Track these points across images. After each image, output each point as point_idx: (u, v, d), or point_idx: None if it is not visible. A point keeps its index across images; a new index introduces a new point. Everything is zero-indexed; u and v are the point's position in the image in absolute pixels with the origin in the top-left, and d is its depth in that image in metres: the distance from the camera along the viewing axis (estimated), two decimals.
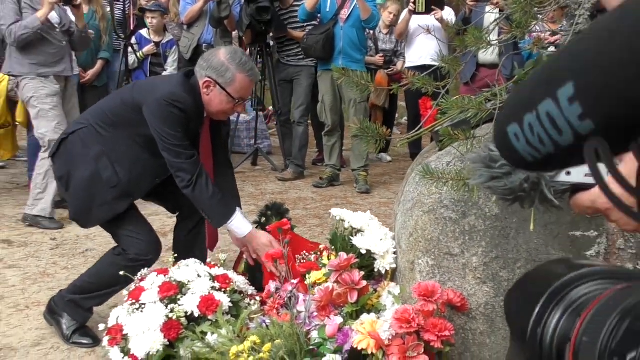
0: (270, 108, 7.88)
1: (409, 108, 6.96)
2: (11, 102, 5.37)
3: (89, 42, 5.15)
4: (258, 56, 6.56)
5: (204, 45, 6.63)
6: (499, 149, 0.63)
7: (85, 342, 2.87)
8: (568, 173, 0.71)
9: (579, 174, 0.71)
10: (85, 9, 5.76)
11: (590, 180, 0.70)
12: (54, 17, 4.63)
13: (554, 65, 0.58)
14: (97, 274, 2.90)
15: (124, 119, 2.84)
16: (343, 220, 2.72)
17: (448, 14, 6.41)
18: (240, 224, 2.83)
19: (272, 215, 3.12)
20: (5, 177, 6.07)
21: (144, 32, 6.51)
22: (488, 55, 5.23)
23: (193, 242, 3.19)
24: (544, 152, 0.57)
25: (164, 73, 6.36)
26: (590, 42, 0.53)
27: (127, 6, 6.36)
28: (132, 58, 6.21)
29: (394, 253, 2.57)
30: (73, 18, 4.84)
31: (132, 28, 6.40)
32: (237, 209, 2.85)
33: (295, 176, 6.49)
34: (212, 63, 2.78)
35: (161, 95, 2.74)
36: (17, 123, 5.52)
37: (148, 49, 6.42)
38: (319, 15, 6.09)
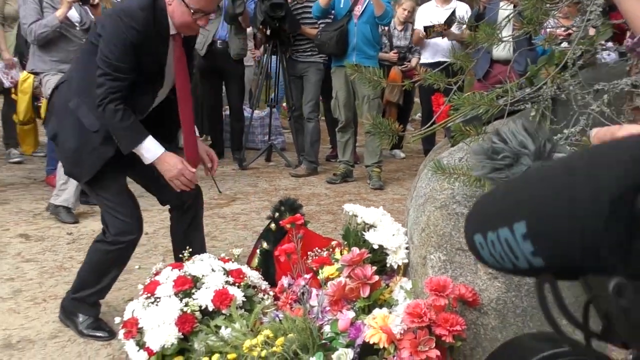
0: (284, 105, 7.90)
1: (423, 104, 6.96)
2: (35, 99, 5.49)
3: None
4: (273, 53, 6.58)
5: (219, 41, 6.68)
6: (468, 247, 0.66)
7: (100, 335, 2.91)
8: None
9: None
10: None
11: None
12: (74, 15, 4.76)
13: (516, 194, 0.62)
14: (88, 266, 2.93)
15: (93, 57, 2.71)
16: (356, 216, 2.74)
17: (464, 10, 6.40)
18: (150, 147, 2.73)
19: (285, 211, 3.14)
20: (23, 172, 6.14)
21: None
22: (501, 51, 5.22)
23: (192, 239, 3.14)
24: (504, 266, 0.60)
25: None
26: (545, 185, 0.57)
27: None
28: None
29: (406, 248, 2.58)
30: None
31: None
32: (149, 136, 2.72)
33: (309, 172, 6.51)
34: None
35: (116, 11, 2.68)
36: (39, 119, 5.62)
37: None
38: (332, 11, 6.11)
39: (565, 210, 0.53)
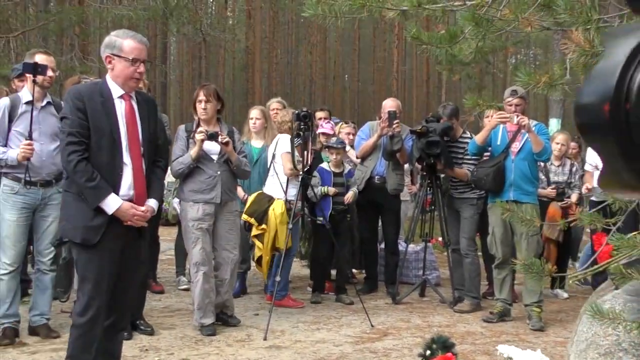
0: (440, 239, 7.87)
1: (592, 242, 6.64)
2: None
3: (246, 173, 5.57)
4: (428, 188, 6.68)
5: (377, 177, 6.87)
6: None
7: None
8: None
9: None
10: (260, 142, 6.54)
11: None
12: (213, 149, 5.20)
13: None
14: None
15: None
16: (511, 359, 2.63)
17: None
18: (110, 202, 3.28)
19: (437, 349, 3.08)
20: (190, 299, 6.50)
21: (324, 165, 6.83)
22: None
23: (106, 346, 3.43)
24: None
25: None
26: None
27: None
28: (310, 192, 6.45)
29: None
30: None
31: (309, 162, 6.77)
32: (110, 193, 3.29)
33: (473, 308, 6.34)
34: (104, 43, 3.43)
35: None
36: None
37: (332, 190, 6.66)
38: (489, 148, 6.15)
39: None
